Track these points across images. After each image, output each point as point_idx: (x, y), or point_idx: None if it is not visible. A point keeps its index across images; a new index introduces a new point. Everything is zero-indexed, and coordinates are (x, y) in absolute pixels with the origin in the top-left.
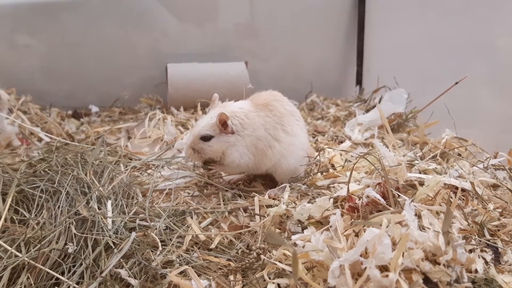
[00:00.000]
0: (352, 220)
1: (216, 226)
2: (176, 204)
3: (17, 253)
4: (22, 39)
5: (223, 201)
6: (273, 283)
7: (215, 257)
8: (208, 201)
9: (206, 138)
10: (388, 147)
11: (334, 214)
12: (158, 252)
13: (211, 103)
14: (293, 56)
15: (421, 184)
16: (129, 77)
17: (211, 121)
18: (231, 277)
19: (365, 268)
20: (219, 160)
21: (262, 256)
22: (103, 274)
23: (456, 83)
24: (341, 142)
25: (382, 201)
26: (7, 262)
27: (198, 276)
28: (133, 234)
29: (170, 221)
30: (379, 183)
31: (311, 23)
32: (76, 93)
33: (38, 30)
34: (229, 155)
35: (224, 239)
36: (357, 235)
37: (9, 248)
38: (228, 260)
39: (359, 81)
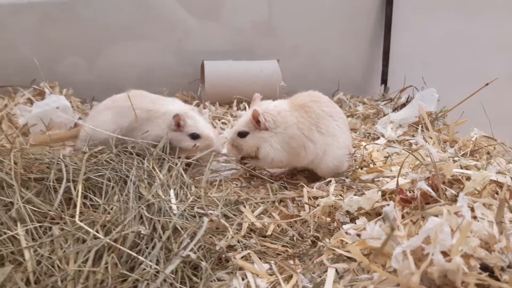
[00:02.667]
0: (404, 211)
1: (267, 215)
2: (227, 194)
3: (99, 235)
4: (62, 35)
5: (272, 191)
6: (333, 267)
7: (271, 243)
8: (256, 192)
9: (242, 135)
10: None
11: (386, 205)
12: (225, 237)
13: (252, 101)
14: (319, 55)
15: (467, 179)
16: (163, 74)
17: (247, 119)
18: (291, 262)
19: (427, 254)
20: (254, 155)
21: (319, 243)
22: (183, 254)
23: (487, 84)
24: (374, 139)
25: (433, 194)
26: (91, 243)
27: None
28: (205, 219)
29: (226, 209)
30: (427, 178)
31: (338, 23)
32: (112, 87)
33: (79, 26)
34: (263, 150)
35: (276, 227)
36: (413, 224)
37: (91, 230)
38: (284, 246)
39: (384, 80)
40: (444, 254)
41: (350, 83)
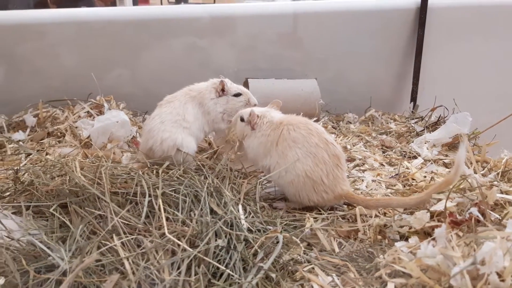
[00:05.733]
0: (453, 232)
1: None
2: (284, 211)
3: (188, 248)
4: (106, 48)
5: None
6: (392, 282)
7: (330, 257)
8: (308, 209)
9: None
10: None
11: (436, 227)
12: (290, 250)
13: None
14: (349, 71)
15: (508, 203)
16: None
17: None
18: (351, 275)
19: (482, 274)
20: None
21: (376, 258)
22: (266, 267)
23: None
24: (410, 158)
25: (482, 219)
26: (183, 255)
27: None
28: (281, 236)
29: (285, 224)
30: (475, 203)
31: (371, 42)
32: (154, 101)
33: (122, 41)
34: None
35: (333, 242)
36: (466, 245)
37: (181, 243)
38: (343, 260)
39: (413, 98)
40: (497, 274)
41: (379, 99)
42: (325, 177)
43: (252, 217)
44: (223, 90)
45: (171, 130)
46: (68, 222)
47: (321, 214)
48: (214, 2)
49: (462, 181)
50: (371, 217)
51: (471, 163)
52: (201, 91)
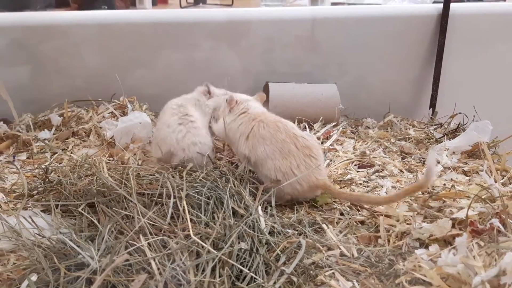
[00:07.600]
0: (474, 241)
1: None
2: (302, 214)
3: (212, 250)
4: (135, 54)
5: (342, 214)
6: None
7: (350, 262)
8: (330, 213)
9: None
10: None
11: (457, 235)
12: (312, 255)
13: None
14: (368, 76)
15: None
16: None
17: None
18: (371, 281)
19: (503, 284)
20: None
21: (398, 266)
22: (289, 271)
23: None
24: None
25: (503, 229)
26: (208, 257)
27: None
28: (303, 241)
29: (305, 229)
30: (496, 213)
31: (391, 47)
32: None
33: (149, 47)
34: None
35: (352, 246)
36: (488, 255)
37: (205, 245)
38: (362, 266)
39: (432, 105)
40: None
41: (397, 104)
42: (295, 169)
43: (273, 220)
44: (209, 92)
45: (181, 130)
46: (96, 222)
47: (341, 219)
48: (232, 3)
49: (484, 191)
50: (392, 225)
51: (491, 172)
52: (192, 96)
